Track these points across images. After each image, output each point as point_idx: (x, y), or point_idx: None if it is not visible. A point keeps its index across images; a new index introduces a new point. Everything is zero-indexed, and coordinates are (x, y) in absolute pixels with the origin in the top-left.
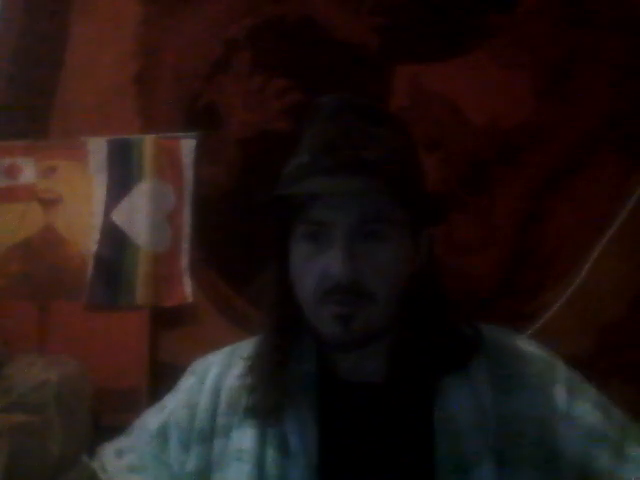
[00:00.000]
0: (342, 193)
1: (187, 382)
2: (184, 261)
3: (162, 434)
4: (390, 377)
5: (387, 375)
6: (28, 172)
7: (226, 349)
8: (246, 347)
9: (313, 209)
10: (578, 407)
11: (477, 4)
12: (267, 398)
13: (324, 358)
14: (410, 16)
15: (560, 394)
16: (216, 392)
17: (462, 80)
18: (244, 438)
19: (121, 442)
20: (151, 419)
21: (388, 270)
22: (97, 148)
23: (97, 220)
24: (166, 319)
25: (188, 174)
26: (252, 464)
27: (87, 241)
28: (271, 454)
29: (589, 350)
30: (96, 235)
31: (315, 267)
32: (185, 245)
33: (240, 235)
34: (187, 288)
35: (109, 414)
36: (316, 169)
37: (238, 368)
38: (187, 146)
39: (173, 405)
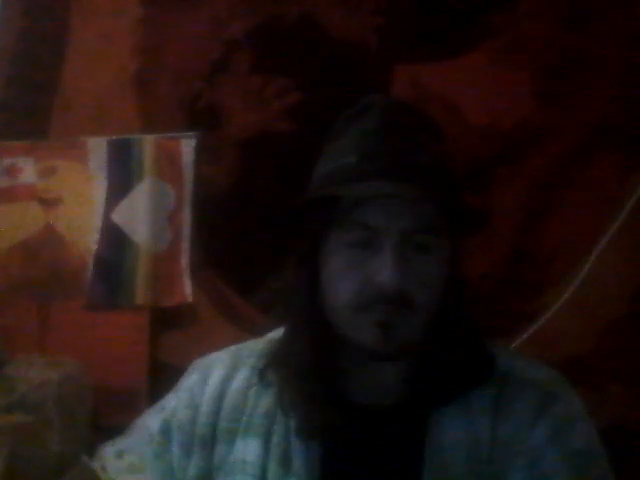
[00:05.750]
0: (405, 198)
1: (189, 380)
2: (184, 261)
3: (164, 434)
4: (397, 402)
5: (395, 399)
6: (28, 172)
7: (230, 349)
8: (251, 348)
9: (363, 213)
10: (548, 457)
11: (477, 4)
12: (315, 418)
13: (336, 376)
14: (410, 16)
15: (540, 431)
16: (219, 396)
17: (461, 80)
18: (248, 449)
19: (121, 442)
20: (151, 419)
21: (432, 282)
22: (97, 148)
23: (97, 220)
24: (166, 319)
25: (188, 174)
26: (255, 477)
27: (87, 241)
28: (273, 468)
29: (589, 350)
30: (96, 235)
31: (358, 274)
32: (185, 245)
33: (240, 235)
34: (187, 288)
35: (109, 414)
36: (367, 172)
37: (244, 372)
38: (187, 146)
39: (175, 404)
